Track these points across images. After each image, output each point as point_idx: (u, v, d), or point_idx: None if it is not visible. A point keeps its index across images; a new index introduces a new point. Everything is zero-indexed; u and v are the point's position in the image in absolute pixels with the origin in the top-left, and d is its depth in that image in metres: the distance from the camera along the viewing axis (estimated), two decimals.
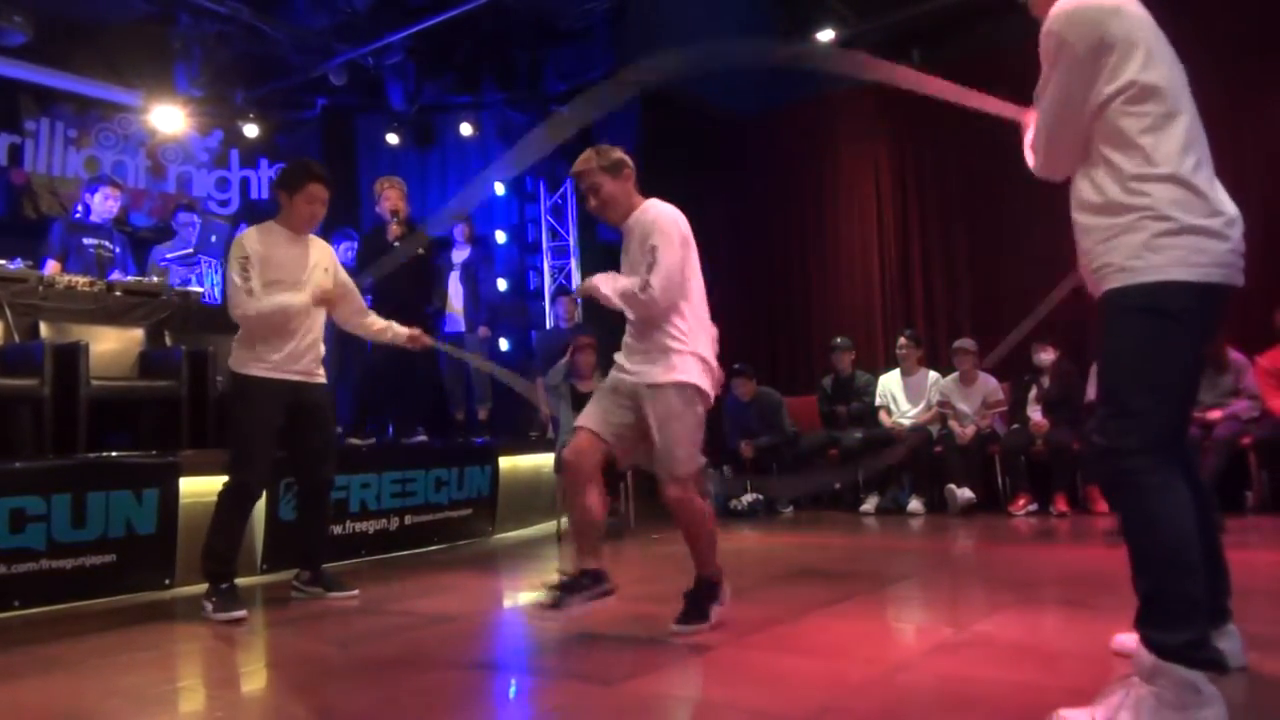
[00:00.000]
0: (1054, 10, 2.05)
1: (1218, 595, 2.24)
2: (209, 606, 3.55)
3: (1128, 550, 1.96)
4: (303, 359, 3.83)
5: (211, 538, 3.70)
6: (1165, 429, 1.96)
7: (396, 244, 5.77)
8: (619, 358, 3.14)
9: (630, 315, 3.07)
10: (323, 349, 3.98)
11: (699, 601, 3.05)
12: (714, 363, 3.08)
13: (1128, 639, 2.47)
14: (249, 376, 3.73)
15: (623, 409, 3.02)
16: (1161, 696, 1.83)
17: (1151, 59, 2.00)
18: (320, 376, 3.95)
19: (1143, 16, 2.05)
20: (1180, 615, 1.88)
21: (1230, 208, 2.02)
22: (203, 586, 3.72)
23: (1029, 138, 2.21)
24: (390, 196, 5.92)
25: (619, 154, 3.11)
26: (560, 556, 5.26)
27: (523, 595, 4.40)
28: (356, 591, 4.01)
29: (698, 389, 2.99)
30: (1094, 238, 2.04)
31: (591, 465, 3.01)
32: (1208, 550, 2.10)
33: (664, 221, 3.01)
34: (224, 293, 3.87)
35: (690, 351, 2.98)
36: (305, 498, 4.09)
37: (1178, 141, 1.98)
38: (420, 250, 5.94)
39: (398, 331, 4.21)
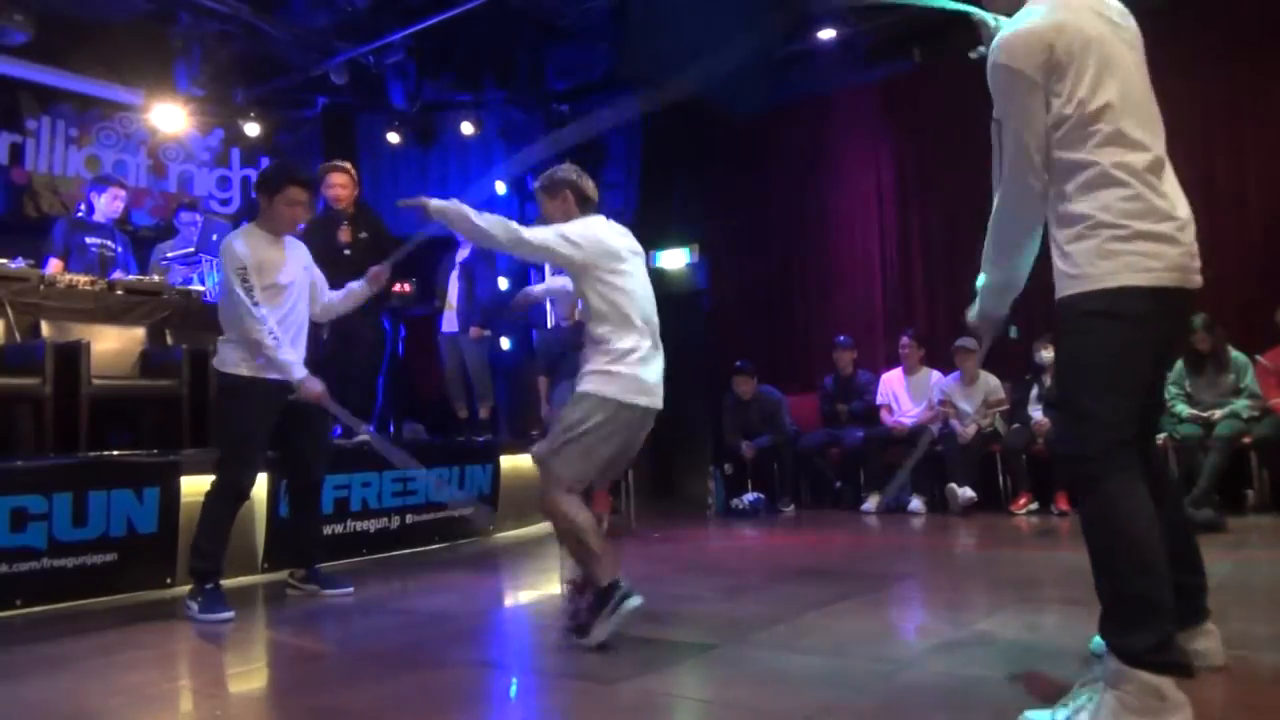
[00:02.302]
0: (996, 43, 2.04)
1: (1195, 594, 2.22)
2: (194, 607, 3.52)
3: (1090, 554, 1.96)
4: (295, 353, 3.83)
5: (199, 537, 3.67)
6: (1123, 432, 1.96)
7: (347, 251, 5.40)
8: None
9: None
10: (304, 349, 3.95)
11: (585, 614, 2.91)
12: (635, 370, 2.97)
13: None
14: (241, 376, 3.71)
15: None
16: (1125, 701, 1.83)
17: (1102, 73, 1.99)
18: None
19: (1087, 30, 2.02)
20: (1142, 619, 1.86)
21: (1183, 211, 2.02)
22: None
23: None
24: (336, 183, 5.52)
25: (561, 174, 3.26)
26: (560, 556, 5.26)
27: (523, 594, 4.40)
28: (351, 589, 4.00)
29: (590, 396, 2.94)
30: (1055, 249, 2.07)
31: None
32: (1179, 547, 2.11)
33: None
34: (222, 299, 3.81)
35: (595, 368, 2.99)
36: (297, 497, 4.10)
37: (1128, 149, 1.98)
38: (363, 234, 5.53)
39: (357, 291, 4.10)
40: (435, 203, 3.00)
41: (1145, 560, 1.88)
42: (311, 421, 3.94)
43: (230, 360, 3.74)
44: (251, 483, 3.79)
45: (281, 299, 3.78)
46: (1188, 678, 1.87)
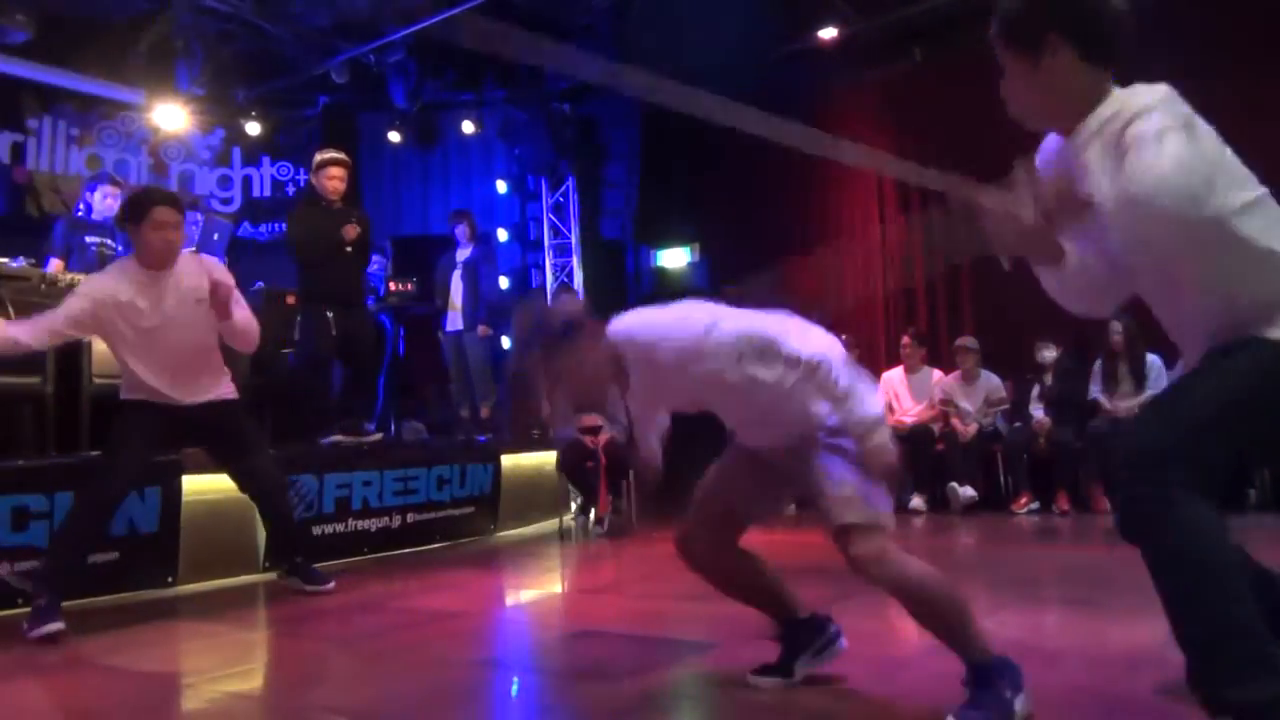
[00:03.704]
0: (1134, 93, 1.74)
1: None
2: (33, 621, 3.15)
3: (1163, 600, 1.58)
4: (186, 387, 3.63)
5: (59, 544, 3.44)
6: (1205, 472, 1.60)
7: (349, 248, 5.37)
8: None
9: None
10: (217, 370, 3.77)
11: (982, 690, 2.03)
12: None
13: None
14: (126, 401, 3.59)
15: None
16: None
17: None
18: (218, 393, 3.75)
19: None
20: (1253, 658, 1.46)
21: None
22: (205, 585, 3.71)
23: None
24: (336, 175, 5.47)
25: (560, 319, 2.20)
26: (562, 555, 5.26)
27: (523, 593, 4.40)
28: (332, 584, 3.94)
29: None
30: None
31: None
32: None
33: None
34: None
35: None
36: (258, 503, 3.96)
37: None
38: (360, 229, 5.52)
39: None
40: None
41: (1238, 587, 1.53)
42: (234, 433, 3.80)
43: (122, 387, 3.65)
44: (119, 498, 3.58)
45: (153, 340, 3.51)
46: None
